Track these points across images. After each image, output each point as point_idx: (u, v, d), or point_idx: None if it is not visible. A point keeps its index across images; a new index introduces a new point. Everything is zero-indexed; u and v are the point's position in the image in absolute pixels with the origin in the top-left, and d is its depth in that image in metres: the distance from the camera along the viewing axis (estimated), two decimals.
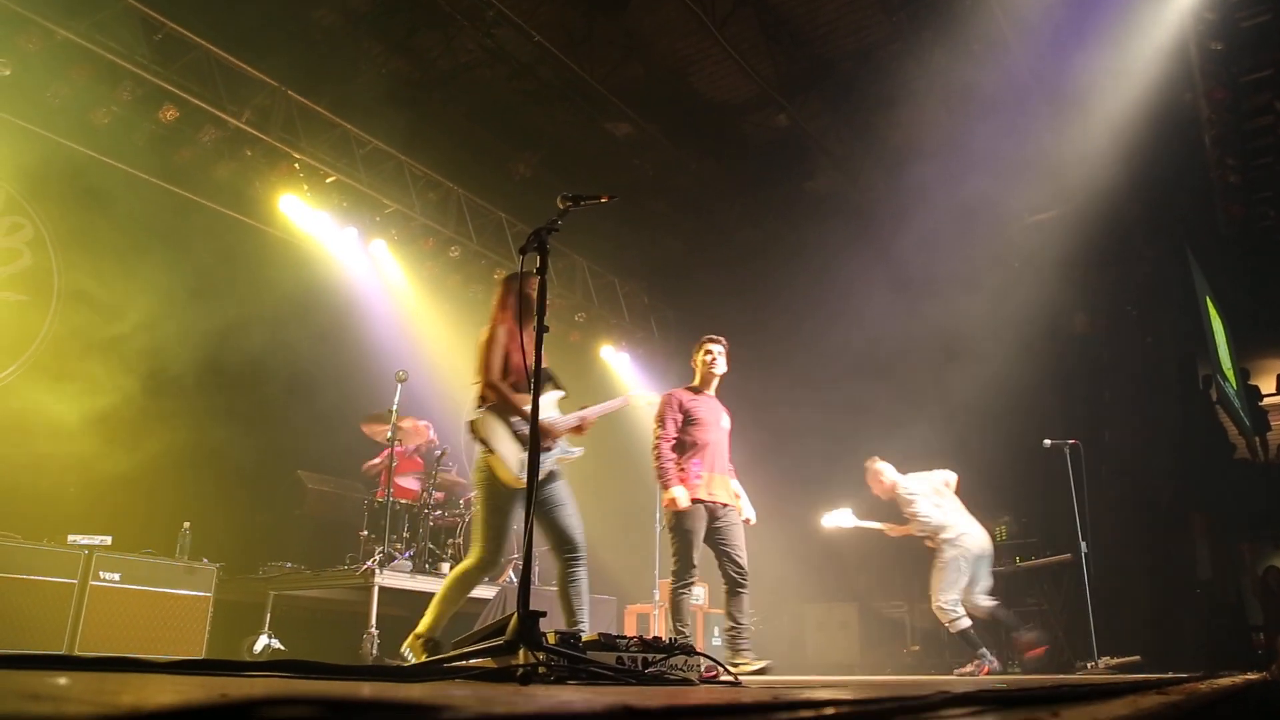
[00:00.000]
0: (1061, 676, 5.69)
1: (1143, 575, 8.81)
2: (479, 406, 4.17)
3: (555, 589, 4.29)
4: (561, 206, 3.33)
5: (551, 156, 9.66)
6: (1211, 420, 10.77)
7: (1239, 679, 3.06)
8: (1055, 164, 8.81)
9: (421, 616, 7.95)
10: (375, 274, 8.86)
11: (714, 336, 5.57)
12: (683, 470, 5.25)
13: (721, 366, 5.49)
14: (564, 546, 4.23)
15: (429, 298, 9.25)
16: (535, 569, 6.90)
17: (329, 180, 8.18)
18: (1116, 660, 7.06)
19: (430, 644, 4.10)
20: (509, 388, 4.16)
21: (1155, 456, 9.29)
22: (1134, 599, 8.53)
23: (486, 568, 4.14)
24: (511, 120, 9.28)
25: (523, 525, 3.85)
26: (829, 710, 0.67)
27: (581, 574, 4.21)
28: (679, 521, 5.15)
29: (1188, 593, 9.02)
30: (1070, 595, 7.91)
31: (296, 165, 7.88)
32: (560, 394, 4.43)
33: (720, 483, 5.31)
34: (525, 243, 3.10)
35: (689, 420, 5.31)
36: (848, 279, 9.61)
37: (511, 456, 4.03)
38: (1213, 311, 10.98)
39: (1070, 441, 7.43)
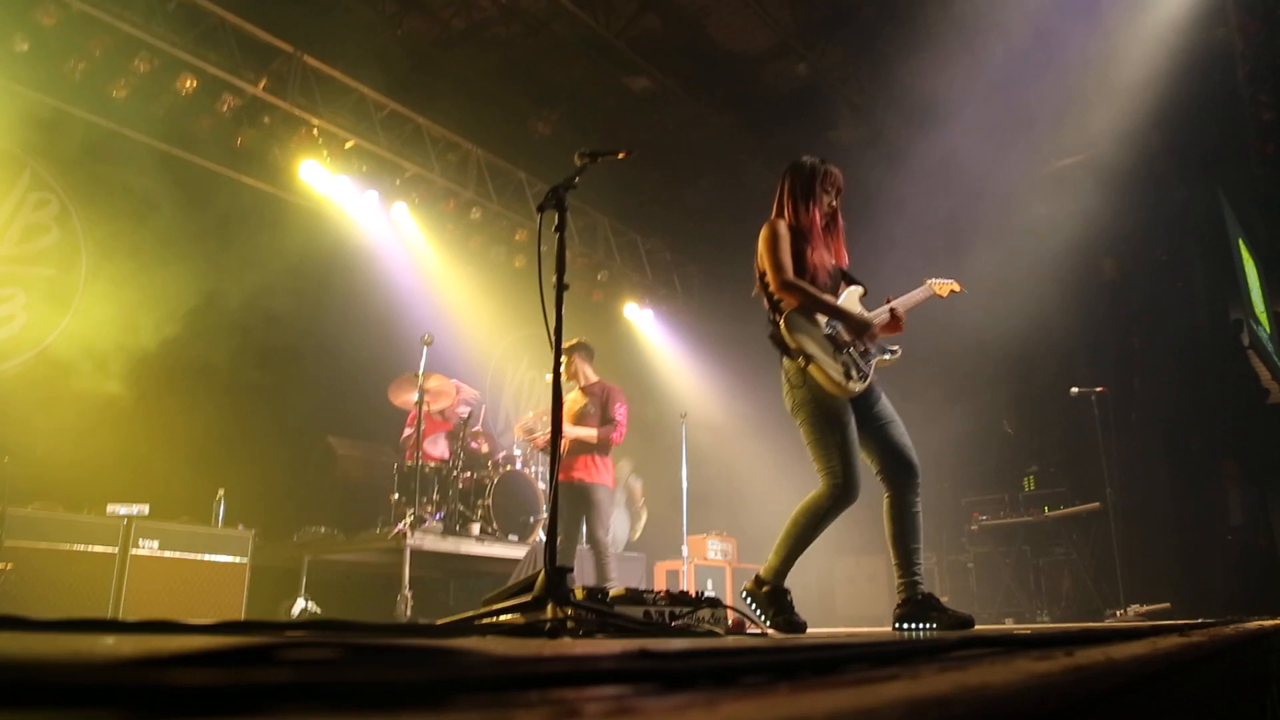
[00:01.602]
0: (1089, 624, 5.70)
1: (1173, 522, 8.76)
2: (775, 314, 3.59)
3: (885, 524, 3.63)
4: (579, 163, 3.27)
5: (570, 113, 9.59)
6: (1243, 365, 10.61)
7: (1268, 622, 3.04)
8: (1083, 106, 8.63)
9: (455, 577, 8.07)
10: (397, 238, 8.88)
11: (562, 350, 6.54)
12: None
13: (574, 376, 6.37)
14: (900, 470, 3.60)
15: (452, 260, 9.26)
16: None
17: (348, 145, 8.18)
18: (1146, 608, 7.06)
19: (775, 593, 3.54)
20: (811, 285, 3.56)
21: (1186, 402, 9.18)
22: (1164, 546, 8.49)
23: (844, 496, 3.49)
24: (529, 78, 9.21)
25: (856, 441, 3.46)
26: (846, 653, 0.68)
27: (919, 504, 3.61)
28: None
29: (1219, 539, 8.96)
30: (1098, 543, 7.89)
31: (315, 131, 7.88)
32: (860, 289, 3.83)
33: (571, 464, 6.14)
34: (543, 200, 3.03)
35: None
36: (872, 230, 9.50)
37: (832, 363, 3.48)
38: (1245, 253, 10.78)
39: (1097, 389, 7.37)
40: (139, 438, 6.38)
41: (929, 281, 4.10)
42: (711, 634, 2.60)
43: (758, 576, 3.57)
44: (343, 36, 8.00)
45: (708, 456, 9.64)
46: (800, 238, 3.67)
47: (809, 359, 3.45)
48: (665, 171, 10.53)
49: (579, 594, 2.41)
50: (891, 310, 3.79)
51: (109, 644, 1.40)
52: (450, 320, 8.95)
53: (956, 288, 4.16)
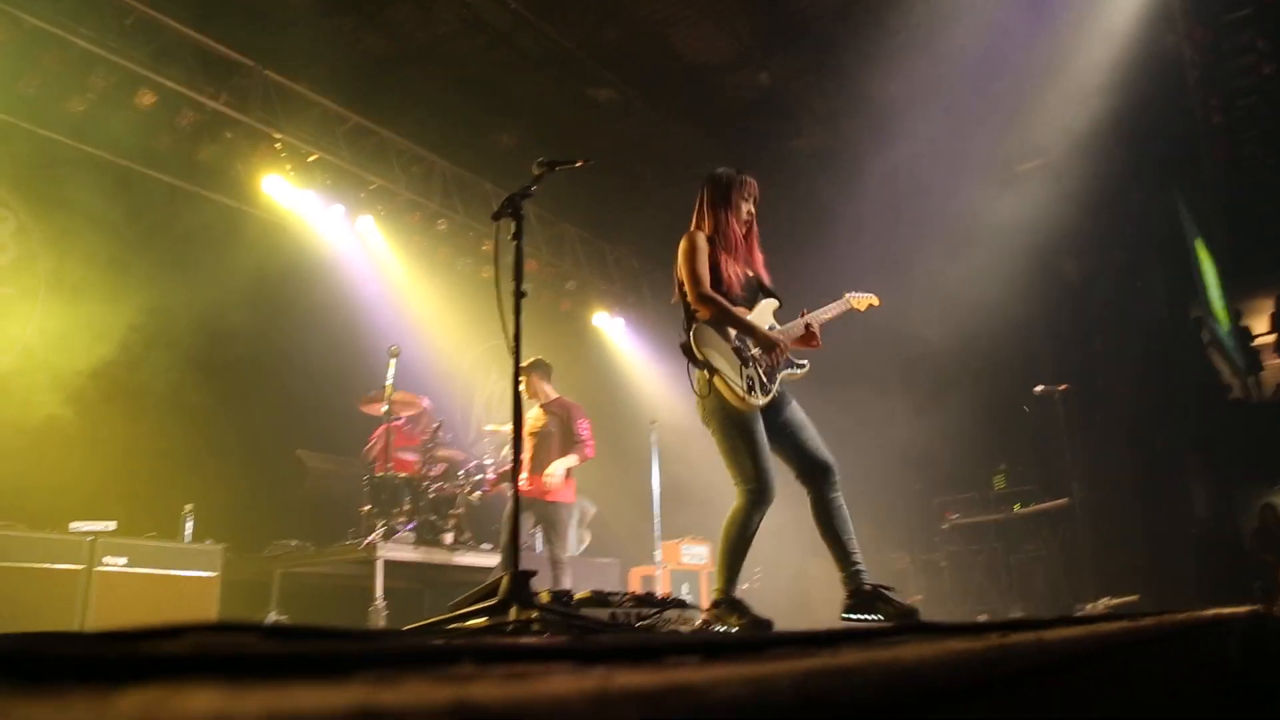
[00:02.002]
0: (1061, 616, 5.78)
1: (1140, 517, 8.91)
2: (689, 324, 3.68)
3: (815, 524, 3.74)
4: (536, 172, 3.29)
5: (534, 125, 9.60)
6: (1204, 362, 10.82)
7: (1225, 611, 3.11)
8: (1041, 112, 8.77)
9: (429, 587, 8.07)
10: (363, 251, 8.84)
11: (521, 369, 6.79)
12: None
13: (535, 394, 6.55)
14: (816, 470, 3.71)
15: (419, 272, 9.23)
16: (538, 535, 7.00)
17: (311, 159, 8.13)
18: (1115, 600, 7.16)
19: (731, 604, 3.57)
20: (725, 299, 3.65)
21: (1149, 400, 9.35)
22: (1132, 540, 8.63)
23: (761, 499, 3.61)
24: (492, 90, 9.21)
25: (771, 448, 3.55)
26: (772, 647, 0.69)
27: (841, 498, 3.71)
28: None
29: (1185, 532, 9.12)
30: (1067, 539, 8.00)
31: (278, 145, 7.84)
32: (775, 302, 3.90)
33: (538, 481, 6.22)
34: (499, 209, 3.06)
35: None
36: (837, 236, 9.60)
37: (737, 376, 3.56)
38: (1203, 253, 11.00)
39: (1060, 388, 7.48)
40: (104, 455, 6.29)
41: (847, 295, 4.17)
42: (675, 634, 2.61)
43: (713, 601, 3.62)
44: (304, 51, 7.96)
45: (680, 462, 9.66)
46: (718, 249, 3.74)
47: (714, 371, 3.54)
48: (630, 180, 10.56)
49: (544, 597, 2.42)
50: (807, 325, 3.89)
51: None
52: (418, 332, 8.92)
53: (875, 302, 4.23)
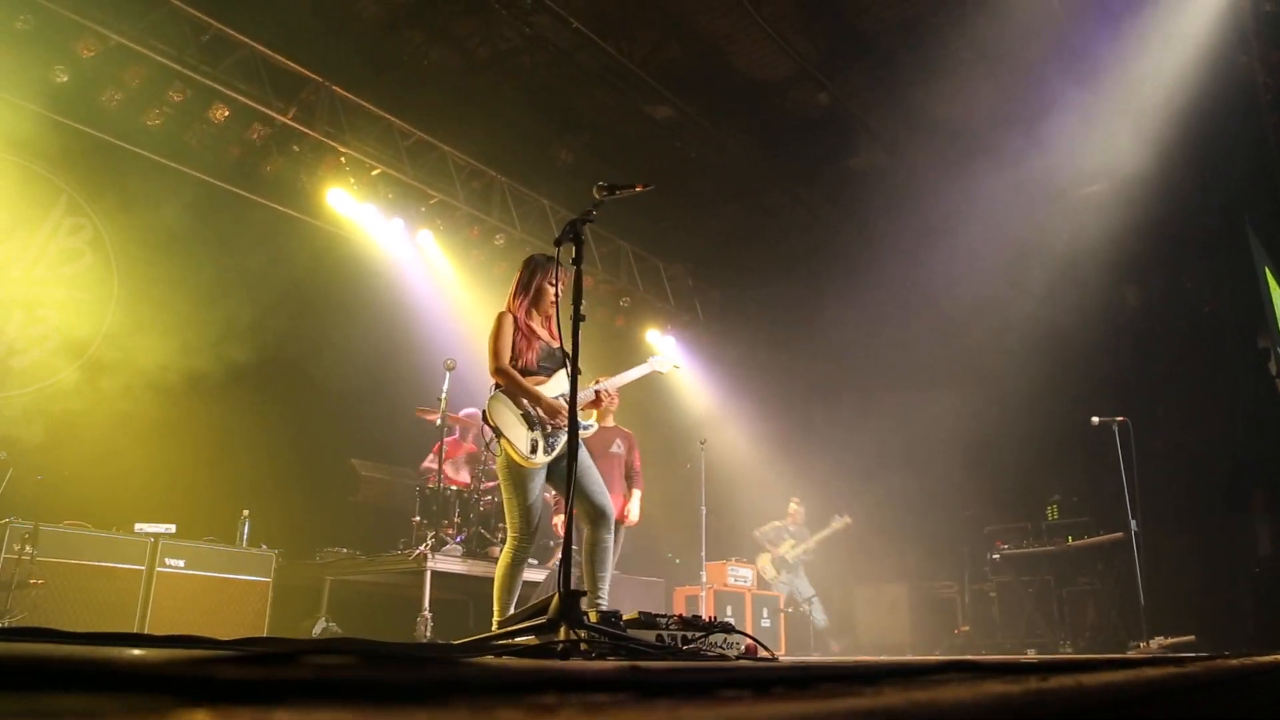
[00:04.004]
0: (1106, 656, 5.65)
1: (1199, 553, 8.65)
2: (491, 393, 4.28)
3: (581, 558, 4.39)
4: (597, 196, 3.37)
5: (593, 141, 9.71)
6: (1272, 393, 10.51)
7: None
8: (1106, 134, 8.64)
9: (476, 600, 8.18)
10: (423, 264, 9.01)
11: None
12: None
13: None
14: (595, 514, 4.29)
15: (476, 286, 9.37)
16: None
17: (374, 173, 8.34)
18: (1170, 640, 6.97)
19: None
20: (516, 372, 4.22)
21: (1212, 431, 9.10)
22: (1190, 578, 8.38)
23: (525, 547, 4.22)
24: (552, 107, 9.35)
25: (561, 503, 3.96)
26: (818, 673, 0.73)
27: (608, 541, 4.28)
28: None
29: (1247, 570, 8.84)
30: (1122, 574, 7.81)
31: (343, 159, 8.05)
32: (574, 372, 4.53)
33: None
34: (560, 234, 3.15)
35: None
36: (893, 256, 9.55)
37: (521, 439, 4.11)
38: (1272, 281, 10.69)
39: (1118, 419, 7.33)
40: (167, 459, 6.49)
41: (650, 359, 4.89)
42: (721, 658, 2.63)
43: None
44: (370, 66, 8.17)
45: (728, 482, 9.67)
46: (522, 325, 4.28)
47: (500, 434, 4.12)
48: (687, 198, 10.62)
49: (593, 617, 2.46)
50: (596, 392, 4.56)
51: (138, 655, 1.46)
52: (474, 346, 9.03)
53: (678, 365, 5.00)
